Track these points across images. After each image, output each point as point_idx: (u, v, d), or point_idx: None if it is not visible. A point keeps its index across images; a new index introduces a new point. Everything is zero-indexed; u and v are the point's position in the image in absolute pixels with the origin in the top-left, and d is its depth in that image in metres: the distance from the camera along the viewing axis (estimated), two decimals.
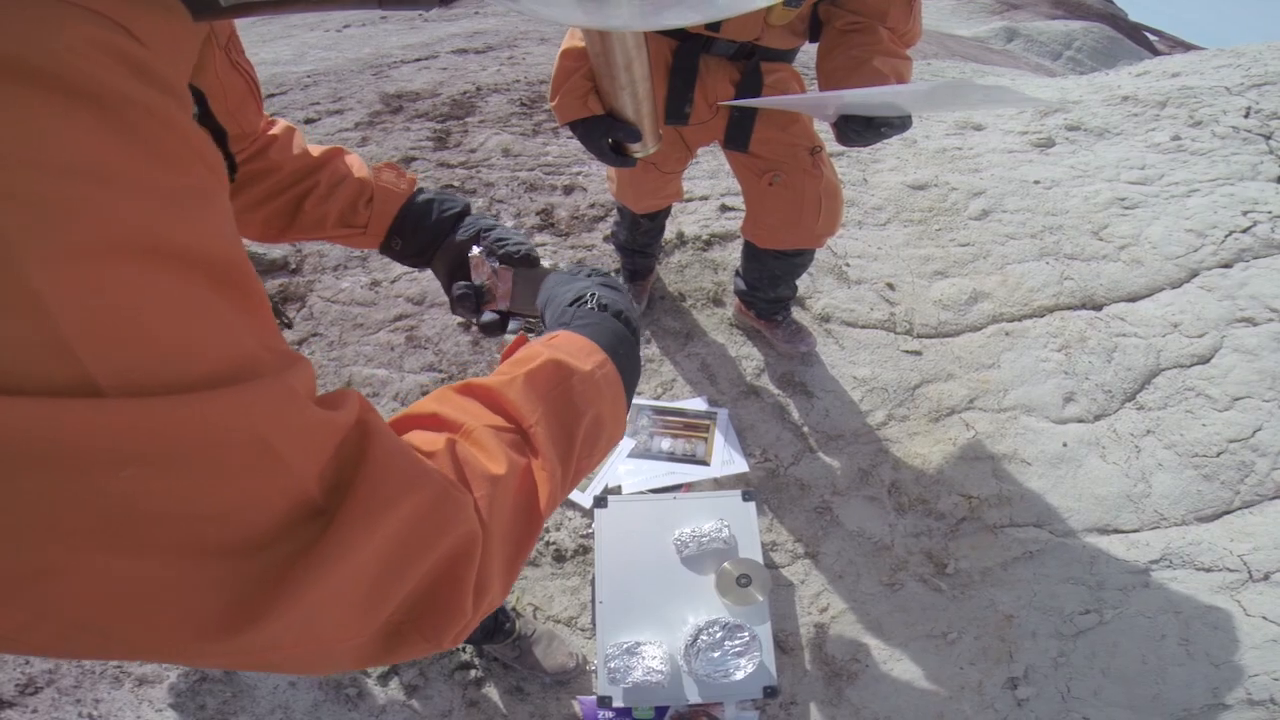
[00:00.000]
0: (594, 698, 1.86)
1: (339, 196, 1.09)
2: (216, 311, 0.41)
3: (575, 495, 2.23)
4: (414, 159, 3.47)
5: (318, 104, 4.13)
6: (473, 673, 1.92)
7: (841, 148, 3.32)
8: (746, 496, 2.09)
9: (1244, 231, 2.73)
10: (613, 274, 0.98)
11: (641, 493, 2.21)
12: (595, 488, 2.24)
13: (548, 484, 0.64)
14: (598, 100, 1.55)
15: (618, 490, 2.22)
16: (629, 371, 0.79)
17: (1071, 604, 2.05)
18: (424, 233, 1.11)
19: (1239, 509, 2.19)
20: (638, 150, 1.56)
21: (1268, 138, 3.03)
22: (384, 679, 1.91)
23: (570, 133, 1.73)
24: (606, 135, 1.57)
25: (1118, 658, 1.94)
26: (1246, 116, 3.15)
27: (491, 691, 1.91)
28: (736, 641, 1.86)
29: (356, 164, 1.14)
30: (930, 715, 1.90)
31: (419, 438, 0.58)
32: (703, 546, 2.00)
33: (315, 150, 1.12)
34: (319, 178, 1.09)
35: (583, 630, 2.02)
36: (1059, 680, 1.93)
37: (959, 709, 1.91)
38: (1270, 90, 3.24)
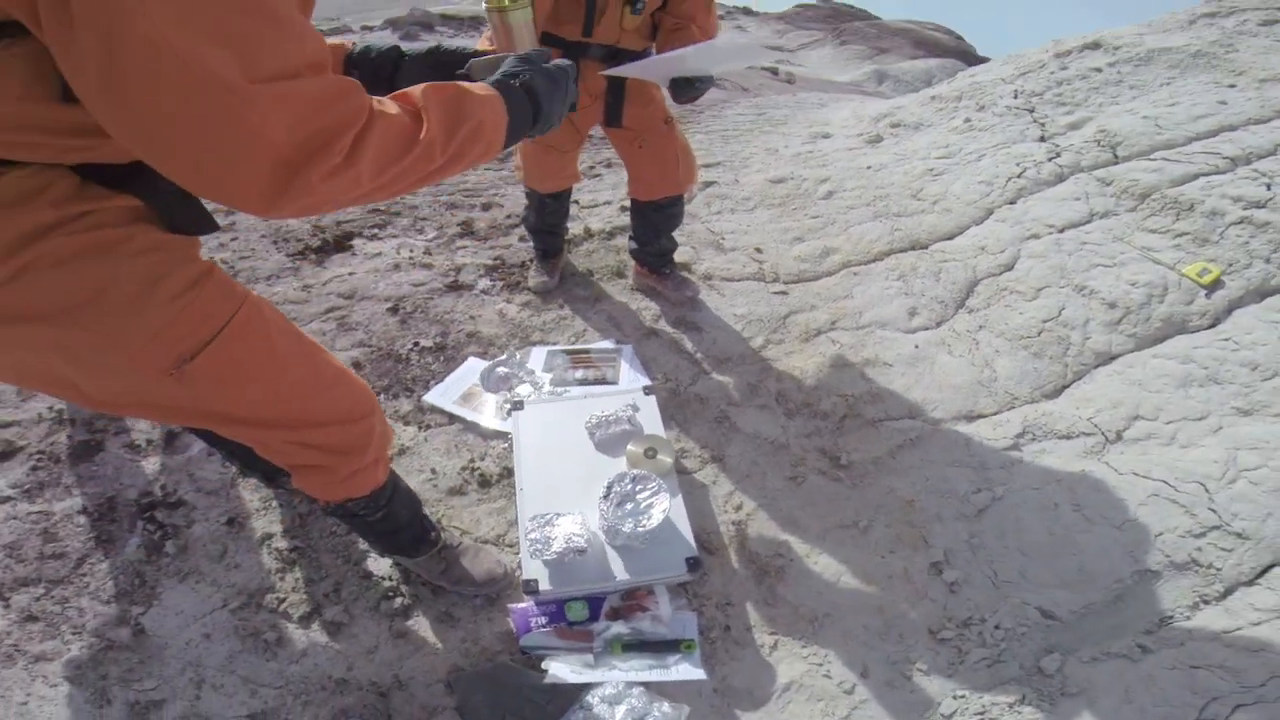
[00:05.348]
0: (524, 605, 1.38)
1: None
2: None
3: (498, 424, 1.77)
4: None
5: None
6: (399, 600, 1.40)
7: (707, 178, 3.20)
8: (647, 391, 1.70)
9: (1019, 176, 2.60)
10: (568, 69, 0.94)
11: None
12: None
13: (426, 134, 0.72)
14: None
15: None
16: (516, 113, 0.83)
17: (963, 485, 1.68)
18: (378, 64, 1.02)
19: (1073, 382, 1.90)
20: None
21: (1030, 111, 2.94)
22: (305, 620, 1.37)
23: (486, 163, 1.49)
24: None
25: (1025, 534, 1.55)
26: (1015, 98, 3.05)
27: (420, 621, 1.39)
28: (647, 489, 1.44)
29: None
30: (870, 609, 1.46)
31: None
32: (611, 427, 1.60)
33: None
34: None
35: (509, 546, 1.53)
36: (980, 564, 1.51)
37: (894, 599, 1.47)
38: (1031, 76, 3.16)
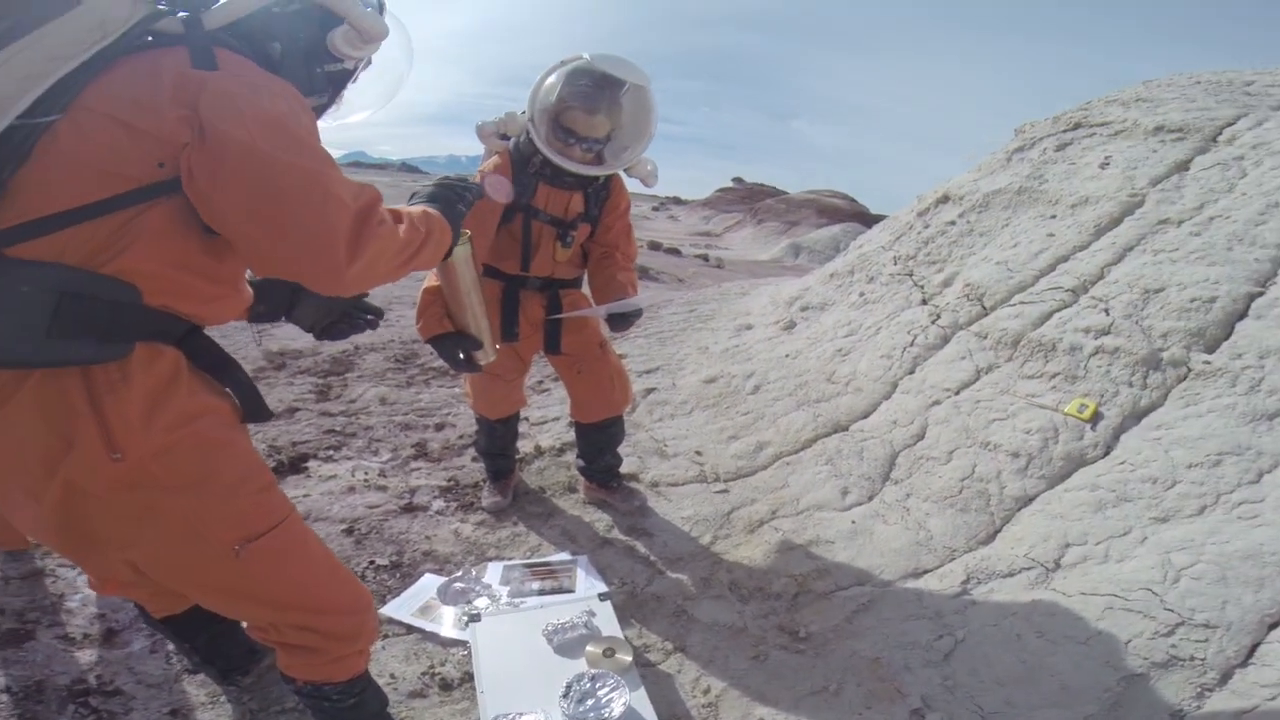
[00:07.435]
0: None
1: None
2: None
3: (456, 633, 1.80)
4: (297, 409, 3.12)
5: None
6: None
7: (648, 385, 3.54)
8: (603, 597, 1.78)
9: (911, 345, 2.93)
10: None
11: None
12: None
13: (409, 217, 1.15)
14: (450, 321, 1.68)
15: None
16: (450, 217, 1.29)
17: (924, 635, 1.75)
18: (276, 295, 1.36)
19: (1003, 526, 2.07)
20: (480, 358, 1.67)
21: (910, 275, 3.29)
22: None
23: (439, 381, 1.83)
24: (458, 347, 1.69)
25: (996, 666, 1.60)
26: (895, 264, 3.42)
27: None
28: (606, 686, 1.47)
29: None
30: None
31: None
32: (569, 633, 1.65)
33: None
34: None
35: None
36: (961, 701, 1.53)
37: None
38: (904, 239, 3.53)
